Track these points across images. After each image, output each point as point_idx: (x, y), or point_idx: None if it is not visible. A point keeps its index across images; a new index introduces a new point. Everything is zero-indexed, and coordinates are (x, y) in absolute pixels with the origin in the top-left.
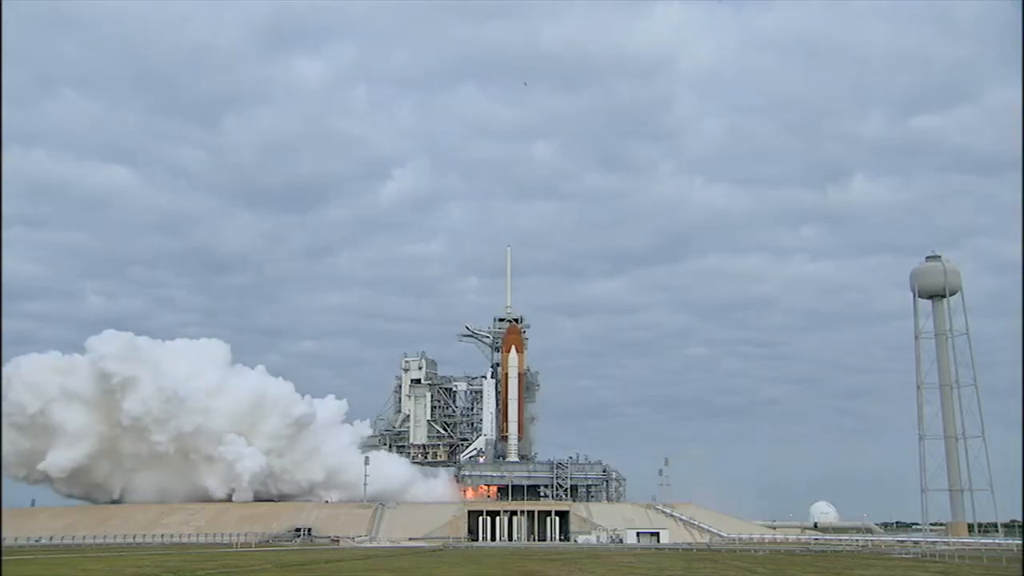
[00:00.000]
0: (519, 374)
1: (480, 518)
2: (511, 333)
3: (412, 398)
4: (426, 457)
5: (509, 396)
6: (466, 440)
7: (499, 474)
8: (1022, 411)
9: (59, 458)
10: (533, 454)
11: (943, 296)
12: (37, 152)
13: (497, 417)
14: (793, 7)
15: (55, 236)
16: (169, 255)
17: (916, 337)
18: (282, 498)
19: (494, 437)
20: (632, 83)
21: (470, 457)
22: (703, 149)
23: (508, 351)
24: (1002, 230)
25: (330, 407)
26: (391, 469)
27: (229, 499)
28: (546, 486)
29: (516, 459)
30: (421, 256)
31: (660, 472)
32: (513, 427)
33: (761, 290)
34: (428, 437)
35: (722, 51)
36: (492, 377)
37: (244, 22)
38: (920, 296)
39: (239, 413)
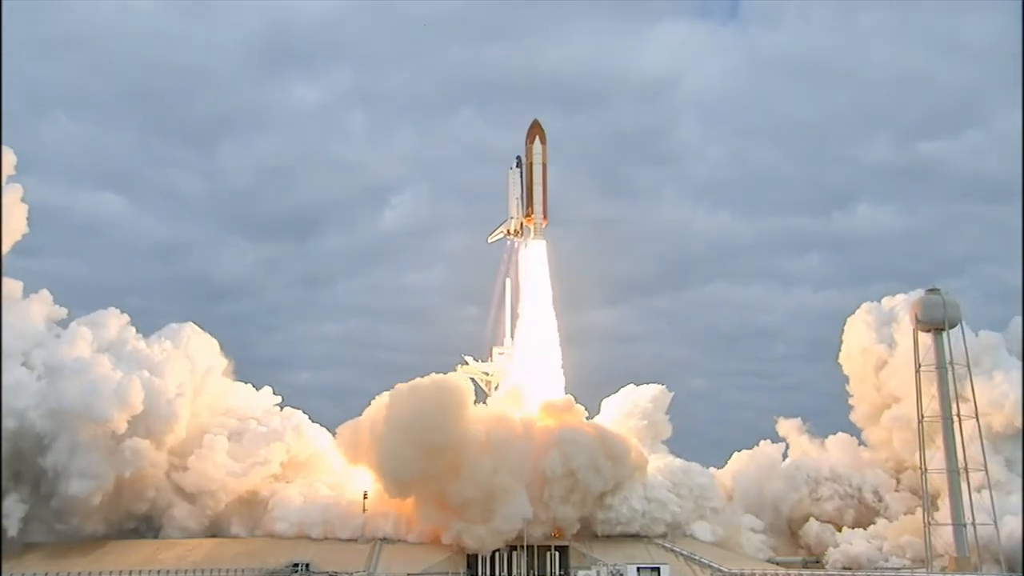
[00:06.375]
0: (543, 163)
1: (479, 554)
2: (534, 127)
3: None
4: None
5: (534, 182)
6: None
7: None
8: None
9: None
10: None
11: (943, 329)
12: (29, 178)
13: (523, 202)
14: (798, 29)
15: (47, 264)
16: (164, 283)
17: (916, 370)
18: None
19: (521, 218)
20: (634, 106)
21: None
22: (706, 174)
23: (532, 142)
24: (1009, 258)
25: None
26: None
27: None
28: None
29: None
30: (419, 285)
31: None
32: (538, 207)
33: (764, 320)
34: None
35: (726, 73)
36: (517, 167)
37: (239, 45)
38: (920, 329)
39: None
